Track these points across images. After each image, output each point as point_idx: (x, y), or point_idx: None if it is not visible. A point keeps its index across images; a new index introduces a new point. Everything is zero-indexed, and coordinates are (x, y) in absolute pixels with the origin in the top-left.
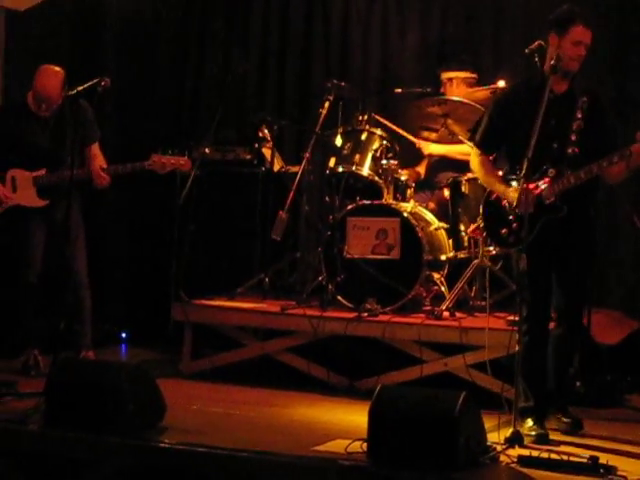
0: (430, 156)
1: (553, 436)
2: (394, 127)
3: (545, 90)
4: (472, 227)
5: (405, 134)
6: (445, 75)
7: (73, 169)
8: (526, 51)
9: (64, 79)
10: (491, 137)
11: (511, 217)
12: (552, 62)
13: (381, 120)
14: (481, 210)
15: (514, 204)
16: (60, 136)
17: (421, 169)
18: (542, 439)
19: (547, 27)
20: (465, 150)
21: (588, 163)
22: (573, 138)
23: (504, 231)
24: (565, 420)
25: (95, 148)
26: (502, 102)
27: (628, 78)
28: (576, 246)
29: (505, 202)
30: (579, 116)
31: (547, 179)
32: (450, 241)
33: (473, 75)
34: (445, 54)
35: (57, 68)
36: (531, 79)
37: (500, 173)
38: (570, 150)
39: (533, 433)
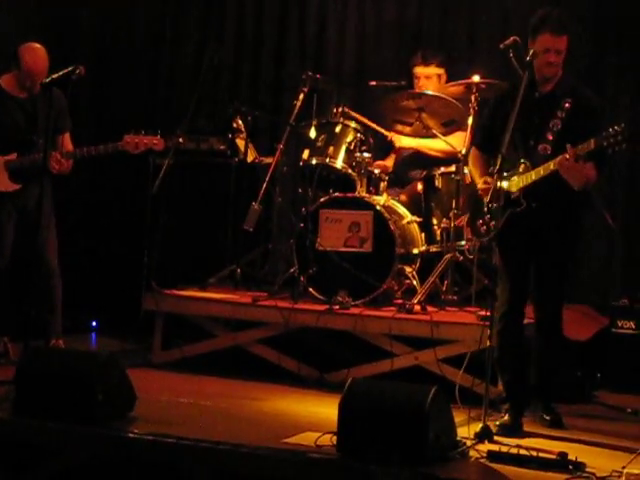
0: (401, 149)
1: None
2: (366, 121)
3: (521, 87)
4: (460, 218)
5: (377, 127)
6: (418, 70)
7: (45, 154)
8: (501, 46)
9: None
10: (486, 137)
11: (485, 209)
12: (527, 58)
13: (352, 114)
14: (457, 203)
15: (480, 194)
16: (34, 120)
17: (389, 162)
18: (509, 430)
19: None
20: (437, 146)
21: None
22: (549, 137)
23: (479, 222)
24: (546, 417)
25: (66, 138)
26: (494, 102)
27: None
28: (549, 243)
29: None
30: (559, 116)
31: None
32: (423, 235)
33: (441, 71)
34: (418, 50)
35: (40, 45)
36: (521, 80)
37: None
38: (541, 147)
39: (502, 423)
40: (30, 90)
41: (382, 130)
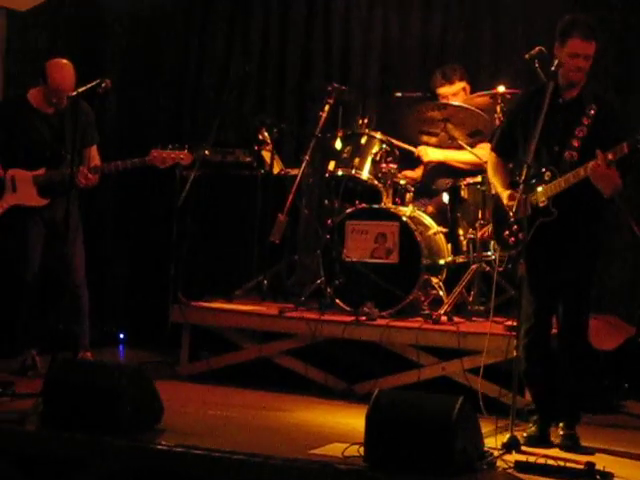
0: (429, 163)
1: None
2: (392, 140)
3: (545, 96)
4: (484, 229)
5: (403, 145)
6: (443, 91)
7: (72, 168)
8: (526, 57)
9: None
10: (504, 142)
11: (511, 219)
12: (552, 68)
13: (380, 137)
14: (483, 213)
15: (507, 208)
16: (61, 135)
17: (418, 173)
18: (536, 440)
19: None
20: (464, 158)
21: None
22: (575, 144)
23: (506, 233)
24: (561, 434)
25: (93, 150)
26: (514, 108)
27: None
28: (577, 252)
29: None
30: (585, 122)
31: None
32: (449, 245)
33: (464, 84)
34: (436, 71)
35: (67, 61)
36: (543, 86)
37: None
38: (567, 154)
39: (530, 433)
40: (57, 105)
41: (408, 147)
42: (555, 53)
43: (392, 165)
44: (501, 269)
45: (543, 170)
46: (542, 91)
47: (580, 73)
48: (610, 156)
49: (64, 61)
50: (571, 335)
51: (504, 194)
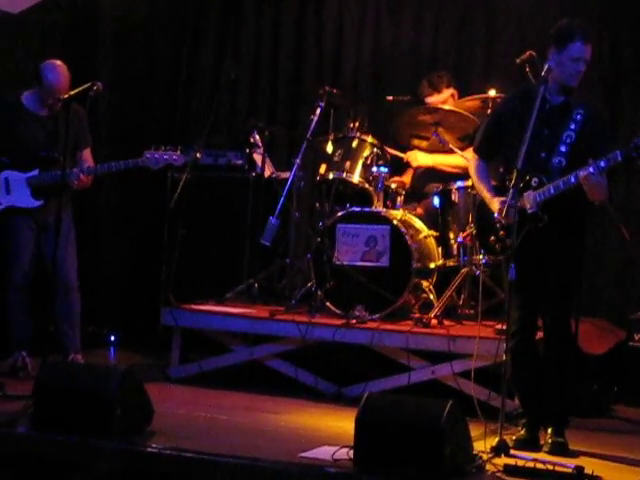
0: (418, 168)
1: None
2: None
3: (535, 101)
4: (464, 233)
5: (392, 151)
6: (431, 100)
7: (65, 170)
8: (517, 61)
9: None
10: (487, 144)
11: (498, 225)
12: (543, 73)
13: (371, 140)
14: (473, 217)
15: (496, 213)
16: (55, 137)
17: (406, 178)
18: (525, 444)
19: (546, 41)
20: (453, 162)
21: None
22: (562, 149)
23: (492, 239)
24: (549, 439)
25: (87, 153)
26: (499, 110)
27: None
28: (562, 257)
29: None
30: (572, 127)
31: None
32: (439, 249)
33: (452, 90)
34: (422, 80)
35: (61, 62)
36: (529, 89)
37: (493, 182)
38: (556, 160)
39: (519, 437)
40: (51, 107)
41: (397, 153)
42: (549, 58)
43: (383, 169)
44: (482, 271)
45: (530, 176)
46: (528, 95)
47: (578, 78)
48: (602, 164)
49: (58, 62)
50: (556, 339)
51: (494, 202)
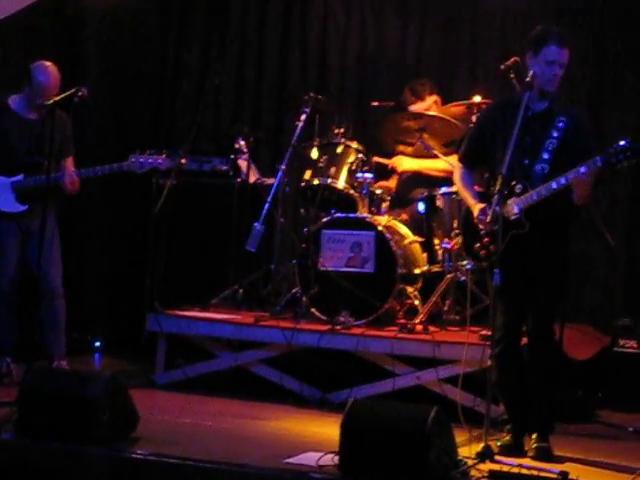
0: (403, 172)
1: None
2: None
3: (520, 108)
4: (452, 241)
5: (378, 159)
6: (415, 108)
7: (49, 175)
8: (502, 67)
9: None
10: (472, 152)
11: (482, 232)
12: (527, 79)
13: (356, 146)
14: (459, 223)
15: (477, 221)
16: (40, 142)
17: (392, 183)
18: (510, 450)
19: (526, 47)
20: (438, 166)
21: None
22: (545, 156)
23: (477, 245)
24: (533, 445)
25: (69, 162)
26: (483, 118)
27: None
28: (546, 263)
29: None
30: (554, 135)
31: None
32: (424, 255)
33: (435, 96)
34: (405, 88)
35: (51, 63)
36: (512, 97)
37: (477, 188)
38: (539, 167)
39: (504, 443)
40: (40, 110)
41: (382, 160)
42: (528, 64)
43: (368, 175)
44: (466, 278)
45: (514, 183)
46: (512, 102)
47: (556, 82)
48: (582, 170)
49: (48, 63)
50: (540, 344)
51: (475, 208)
